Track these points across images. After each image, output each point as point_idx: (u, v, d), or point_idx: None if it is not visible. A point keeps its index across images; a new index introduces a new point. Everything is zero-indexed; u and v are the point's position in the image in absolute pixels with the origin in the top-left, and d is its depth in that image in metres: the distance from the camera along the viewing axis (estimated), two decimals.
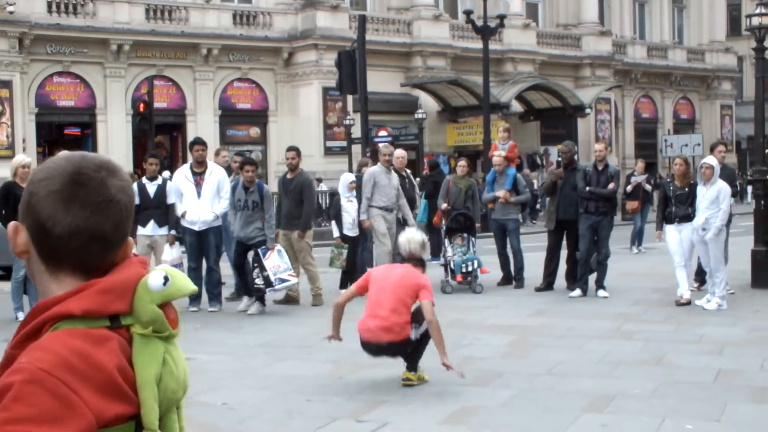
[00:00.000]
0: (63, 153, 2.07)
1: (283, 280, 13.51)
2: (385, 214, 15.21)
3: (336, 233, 15.08)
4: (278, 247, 13.69)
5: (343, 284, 14.99)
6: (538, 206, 36.51)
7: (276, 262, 13.51)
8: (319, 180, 34.63)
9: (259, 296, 13.70)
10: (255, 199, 13.66)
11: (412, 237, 9.54)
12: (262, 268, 13.50)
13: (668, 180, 14.43)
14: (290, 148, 14.89)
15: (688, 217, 13.76)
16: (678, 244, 13.80)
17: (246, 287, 13.95)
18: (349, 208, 15.45)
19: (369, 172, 15.63)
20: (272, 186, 37.59)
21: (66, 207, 1.96)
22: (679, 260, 13.80)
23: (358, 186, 15.82)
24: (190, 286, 2.07)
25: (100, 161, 2.03)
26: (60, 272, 2.00)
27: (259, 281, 13.51)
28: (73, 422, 1.81)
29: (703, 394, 8.31)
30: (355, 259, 15.60)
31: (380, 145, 15.41)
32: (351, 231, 15.51)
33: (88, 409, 1.83)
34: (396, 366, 8.85)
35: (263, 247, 13.58)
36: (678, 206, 13.77)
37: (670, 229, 13.89)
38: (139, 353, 1.98)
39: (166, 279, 2.01)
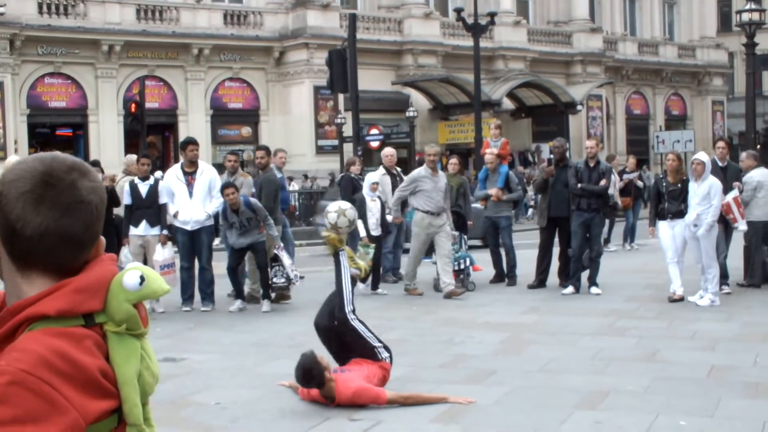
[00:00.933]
0: (35, 154, 2.07)
1: (299, 276, 13.97)
2: (431, 219, 14.71)
3: (363, 233, 14.47)
4: (281, 244, 13.84)
5: (375, 283, 15.08)
6: (531, 203, 36.43)
7: (289, 260, 13.83)
8: (291, 179, 34.92)
9: (239, 293, 13.87)
10: (249, 216, 13.51)
11: (327, 211, 9.30)
12: (283, 267, 13.65)
13: (661, 176, 14.42)
14: (259, 147, 15.00)
15: (681, 213, 13.76)
16: (671, 240, 13.80)
17: (239, 290, 13.93)
18: (374, 208, 15.26)
19: (414, 174, 15.29)
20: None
21: (36, 208, 1.95)
22: (672, 256, 13.80)
23: (347, 187, 15.85)
24: (165, 287, 2.08)
25: (72, 162, 2.02)
26: (31, 273, 1.99)
27: (276, 279, 13.69)
28: (58, 420, 1.81)
29: (697, 389, 8.31)
30: (379, 258, 15.54)
31: (425, 146, 15.21)
32: (375, 231, 15.35)
33: (72, 407, 1.83)
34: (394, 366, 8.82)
35: (278, 247, 13.68)
36: (671, 202, 13.77)
37: (662, 225, 13.89)
38: (117, 351, 1.99)
39: (143, 279, 2.02)
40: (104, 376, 1.96)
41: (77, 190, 2.00)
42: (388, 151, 17.52)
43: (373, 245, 13.92)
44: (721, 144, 15.18)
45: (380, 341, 8.59)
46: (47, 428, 1.79)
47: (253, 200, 13.88)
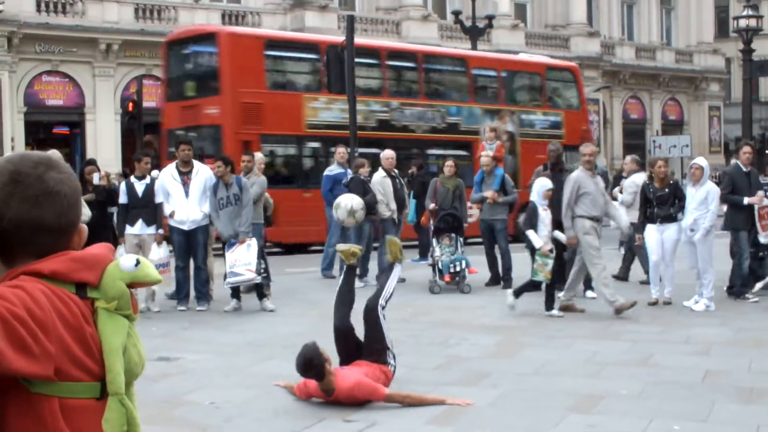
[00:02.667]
0: (6, 155, 2.29)
1: (235, 274, 13.47)
2: (595, 225, 13.43)
3: (538, 243, 12.85)
4: (249, 242, 13.66)
5: (549, 299, 13.19)
6: None
7: (237, 256, 13.52)
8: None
9: (234, 293, 13.78)
10: (236, 192, 13.70)
11: (338, 203, 9.46)
12: (225, 261, 13.62)
13: (647, 182, 14.40)
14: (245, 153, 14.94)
15: (671, 218, 13.80)
16: (657, 245, 13.83)
17: (233, 288, 13.93)
18: (546, 219, 13.32)
19: (572, 177, 13.72)
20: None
21: (7, 202, 2.14)
22: (657, 260, 13.86)
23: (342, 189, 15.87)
24: (157, 276, 2.25)
25: (39, 157, 2.22)
26: (15, 260, 2.17)
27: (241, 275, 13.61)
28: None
29: (691, 394, 8.32)
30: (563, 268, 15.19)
31: (581, 146, 14.09)
32: (548, 244, 13.55)
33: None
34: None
35: (232, 240, 13.60)
36: (660, 207, 13.79)
37: (650, 229, 13.91)
38: (105, 324, 2.14)
39: (138, 262, 2.20)
40: (93, 343, 2.12)
41: (44, 182, 2.18)
42: (389, 154, 17.57)
43: (552, 255, 12.91)
44: (747, 149, 14.84)
45: (393, 348, 8.65)
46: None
47: (244, 179, 14.23)
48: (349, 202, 9.68)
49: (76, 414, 2.09)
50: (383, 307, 8.76)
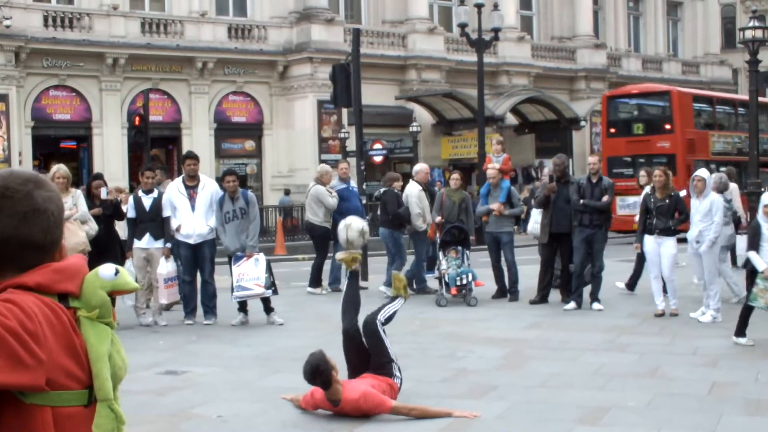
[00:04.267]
0: None
1: (244, 288, 13.47)
2: None
3: (761, 266, 11.23)
4: (256, 256, 13.67)
5: (743, 324, 11.67)
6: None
7: (245, 270, 13.52)
8: (288, 191, 36.04)
9: (241, 306, 13.76)
10: (242, 206, 13.78)
11: (350, 223, 9.45)
12: (231, 275, 13.63)
13: (648, 192, 14.42)
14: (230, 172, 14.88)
15: (670, 230, 13.78)
16: (655, 256, 13.84)
17: (240, 303, 13.94)
18: None
19: None
20: (268, 200, 37.70)
21: None
22: (657, 272, 13.87)
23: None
24: (134, 284, 2.32)
25: (27, 176, 2.24)
26: (5, 274, 2.19)
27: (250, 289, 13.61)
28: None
29: (698, 406, 8.32)
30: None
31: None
32: None
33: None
34: None
35: (239, 254, 13.63)
36: (659, 218, 13.79)
37: (648, 240, 13.91)
38: (89, 332, 2.18)
39: (117, 271, 2.25)
40: (81, 350, 2.16)
41: (33, 199, 2.21)
42: (424, 168, 18.10)
43: None
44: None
45: (397, 361, 8.67)
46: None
47: (250, 193, 14.43)
48: (359, 222, 9.69)
49: (67, 422, 2.13)
50: (382, 323, 8.77)
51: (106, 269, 2.25)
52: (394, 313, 9.03)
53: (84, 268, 2.26)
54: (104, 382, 2.19)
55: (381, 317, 8.82)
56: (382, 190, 17.11)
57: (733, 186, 19.73)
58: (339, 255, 9.80)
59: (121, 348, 2.30)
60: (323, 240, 17.73)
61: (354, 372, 8.63)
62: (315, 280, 17.55)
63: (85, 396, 2.17)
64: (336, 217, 17.52)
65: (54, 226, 2.25)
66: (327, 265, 17.90)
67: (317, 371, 7.78)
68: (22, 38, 33.91)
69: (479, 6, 31.94)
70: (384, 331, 8.76)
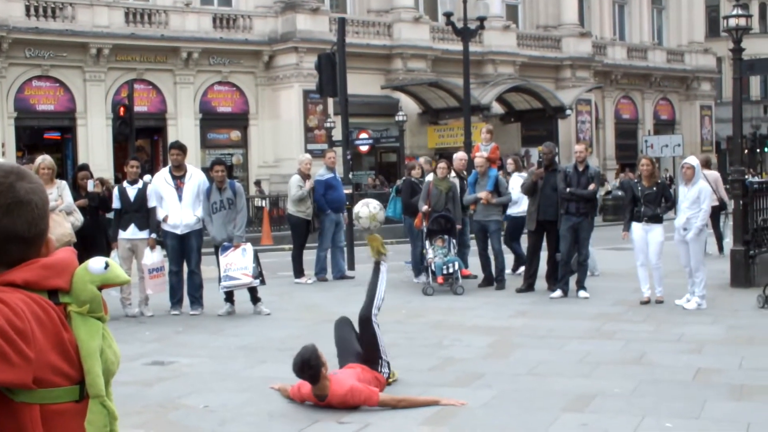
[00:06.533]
0: None
1: (231, 278, 13.47)
2: None
3: None
4: (244, 246, 13.69)
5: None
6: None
7: (232, 260, 13.52)
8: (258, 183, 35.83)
9: (228, 297, 13.76)
10: (229, 197, 13.78)
11: (359, 210, 9.39)
12: (218, 265, 13.60)
13: (635, 180, 14.47)
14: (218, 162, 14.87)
15: (658, 218, 13.85)
16: (642, 243, 13.88)
17: (227, 293, 13.93)
18: None
19: None
20: (253, 189, 37.63)
21: None
22: (643, 259, 13.92)
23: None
24: (125, 276, 2.27)
25: (9, 167, 2.21)
26: None
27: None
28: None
29: (683, 392, 8.36)
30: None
31: None
32: None
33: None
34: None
35: (226, 244, 13.62)
36: (647, 206, 13.83)
37: (636, 228, 13.95)
38: (80, 328, 2.16)
39: (107, 265, 2.21)
40: (71, 347, 2.14)
41: (15, 191, 2.17)
42: (461, 155, 18.34)
43: None
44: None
45: (387, 357, 8.70)
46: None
47: (237, 183, 14.43)
48: (367, 208, 9.67)
49: (57, 418, 2.12)
50: (376, 315, 8.83)
51: (96, 263, 2.22)
52: (384, 293, 9.08)
53: (73, 263, 2.23)
54: (95, 379, 2.17)
55: (375, 309, 8.87)
56: (402, 179, 17.42)
57: (714, 173, 19.85)
58: (372, 236, 9.76)
59: (113, 342, 2.27)
60: (296, 229, 17.75)
61: (365, 352, 8.70)
62: (297, 270, 17.54)
63: (76, 392, 2.16)
64: (322, 206, 17.52)
65: (38, 218, 2.21)
66: (312, 255, 17.91)
67: (307, 365, 7.78)
68: (4, 28, 33.73)
69: None
70: (378, 325, 8.82)
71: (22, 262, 2.17)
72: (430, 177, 16.81)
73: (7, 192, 2.17)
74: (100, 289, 2.22)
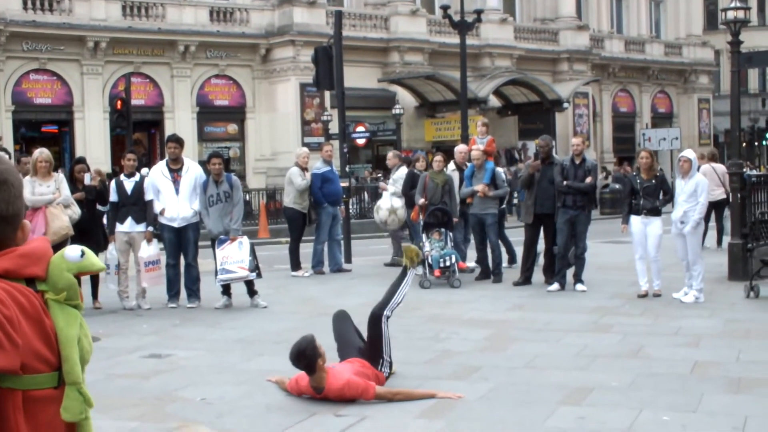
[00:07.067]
0: None
1: (228, 271, 13.47)
2: None
3: None
4: (241, 239, 13.68)
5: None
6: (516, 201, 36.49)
7: (229, 253, 13.52)
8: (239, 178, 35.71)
9: (225, 290, 13.75)
10: (226, 190, 13.77)
11: (379, 205, 9.39)
12: (215, 258, 13.59)
13: (634, 174, 14.48)
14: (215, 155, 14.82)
15: (657, 210, 13.85)
16: (641, 236, 13.88)
17: (224, 286, 13.92)
18: None
19: None
20: (251, 183, 37.62)
21: None
22: (642, 252, 13.92)
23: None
24: (100, 264, 2.31)
25: None
26: None
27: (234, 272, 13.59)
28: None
29: (680, 385, 8.36)
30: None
31: None
32: None
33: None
34: None
35: (222, 237, 13.61)
36: (647, 199, 13.83)
37: (635, 221, 13.95)
38: (58, 316, 2.19)
39: (83, 253, 2.25)
40: (52, 333, 2.17)
41: None
42: (462, 148, 18.21)
43: None
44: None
45: (390, 358, 8.70)
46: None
47: (234, 176, 14.42)
48: (386, 202, 9.70)
49: (36, 404, 2.15)
50: (388, 318, 8.83)
51: (72, 251, 2.26)
52: (403, 298, 9.12)
53: (49, 251, 2.26)
54: (74, 366, 2.19)
55: (388, 311, 8.88)
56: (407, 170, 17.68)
57: (721, 166, 19.88)
58: (408, 245, 9.83)
59: (88, 331, 2.30)
60: (293, 222, 17.73)
61: (370, 345, 8.72)
62: (294, 264, 17.53)
63: (55, 378, 2.19)
64: (319, 199, 17.50)
65: (15, 197, 2.26)
66: (309, 248, 17.90)
67: (303, 354, 7.78)
68: (1, 21, 33.68)
69: None
70: (387, 326, 8.82)
71: (2, 243, 2.21)
72: (450, 167, 17.05)
73: None
74: (77, 277, 2.25)
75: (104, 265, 2.39)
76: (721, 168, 20.15)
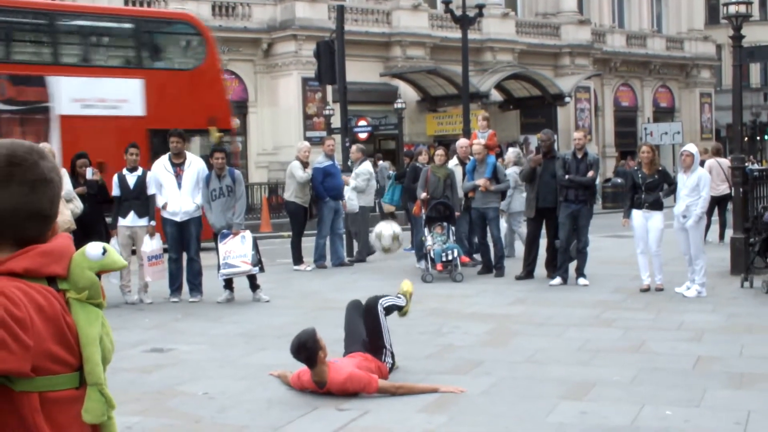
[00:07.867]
0: None
1: (230, 265, 13.47)
2: None
3: None
4: (243, 233, 13.67)
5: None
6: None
7: (232, 247, 13.51)
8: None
9: (228, 284, 13.75)
10: (228, 184, 13.75)
11: (381, 231, 9.42)
12: (217, 252, 13.59)
13: (635, 168, 14.47)
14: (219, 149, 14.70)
15: (659, 204, 13.84)
16: (643, 230, 13.86)
17: (226, 280, 13.92)
18: None
19: None
20: (253, 177, 37.61)
21: (5, 186, 2.14)
22: (644, 247, 13.90)
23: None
24: (122, 262, 2.29)
25: (30, 145, 2.23)
26: (4, 245, 2.17)
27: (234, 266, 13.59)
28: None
29: (682, 380, 8.35)
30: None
31: None
32: None
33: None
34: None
35: (225, 231, 13.61)
36: (648, 193, 13.81)
37: (636, 215, 13.93)
38: (79, 315, 2.16)
39: (105, 250, 2.22)
40: (71, 334, 2.14)
41: (40, 169, 2.20)
42: (463, 142, 18.11)
43: None
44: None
45: (391, 347, 8.73)
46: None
47: (236, 171, 14.33)
48: (389, 228, 9.68)
49: (56, 405, 2.12)
50: (383, 307, 8.86)
51: (93, 248, 2.22)
52: (394, 306, 9.11)
53: (70, 249, 2.22)
54: (95, 367, 2.16)
55: (383, 302, 8.93)
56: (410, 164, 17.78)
57: (726, 161, 19.85)
58: (406, 285, 9.81)
59: (110, 330, 2.27)
60: (294, 216, 17.72)
61: (370, 340, 8.72)
62: (296, 258, 17.52)
63: (76, 378, 2.15)
64: (321, 193, 17.48)
65: (57, 196, 2.25)
66: (311, 242, 17.90)
67: (303, 347, 7.78)
68: None
69: None
70: (384, 316, 8.84)
71: (36, 241, 2.18)
72: (453, 162, 17.05)
73: (33, 168, 2.19)
74: (98, 275, 2.21)
75: (125, 262, 2.33)
76: (726, 163, 20.13)
